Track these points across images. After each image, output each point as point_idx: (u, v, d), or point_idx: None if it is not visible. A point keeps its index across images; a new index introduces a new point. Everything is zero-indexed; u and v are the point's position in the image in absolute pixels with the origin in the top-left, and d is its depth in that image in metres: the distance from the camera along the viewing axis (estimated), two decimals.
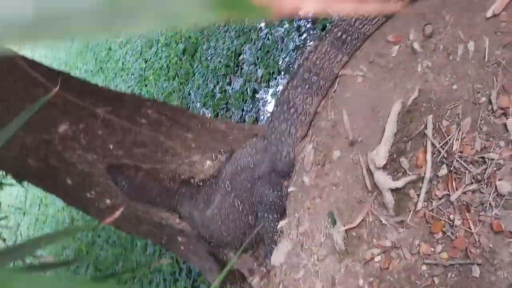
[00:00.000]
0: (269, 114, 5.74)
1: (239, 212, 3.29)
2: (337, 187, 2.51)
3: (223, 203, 3.32)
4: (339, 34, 2.51)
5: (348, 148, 2.51)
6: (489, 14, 2.17)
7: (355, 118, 2.52)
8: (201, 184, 3.69)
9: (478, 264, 1.99)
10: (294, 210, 2.76)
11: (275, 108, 2.86)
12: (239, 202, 3.25)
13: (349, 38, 2.51)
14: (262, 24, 6.61)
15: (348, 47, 2.54)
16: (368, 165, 2.36)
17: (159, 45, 9.11)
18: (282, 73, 6.04)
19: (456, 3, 2.27)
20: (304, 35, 5.97)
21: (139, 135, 3.86)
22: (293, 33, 6.04)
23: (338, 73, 2.63)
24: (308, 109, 2.75)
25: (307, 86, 2.68)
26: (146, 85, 9.05)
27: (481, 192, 2.07)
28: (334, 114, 2.62)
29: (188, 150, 3.98)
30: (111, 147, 3.78)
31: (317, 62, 2.60)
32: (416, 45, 2.35)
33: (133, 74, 9.70)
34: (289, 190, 2.85)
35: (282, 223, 2.83)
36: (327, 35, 2.55)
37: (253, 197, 3.18)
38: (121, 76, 10.14)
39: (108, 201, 3.94)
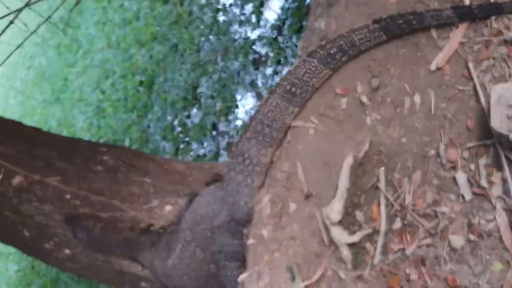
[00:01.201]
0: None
1: (201, 261, 3.26)
2: (294, 240, 2.51)
3: (184, 252, 3.29)
4: (288, 87, 2.53)
5: (303, 201, 2.52)
6: (433, 67, 2.22)
7: (309, 171, 2.53)
8: (161, 231, 3.66)
9: None
10: (254, 263, 2.74)
11: (230, 160, 2.86)
12: (200, 251, 3.23)
13: (298, 91, 2.53)
14: (219, 57, 6.62)
15: (298, 99, 2.56)
16: (324, 220, 2.37)
17: (115, 76, 9.03)
18: (240, 107, 6.06)
19: (400, 56, 2.31)
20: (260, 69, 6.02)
21: (96, 183, 3.81)
22: (249, 67, 6.07)
23: (290, 124, 2.64)
24: (263, 160, 2.76)
25: (261, 137, 2.69)
26: (104, 117, 8.95)
27: (435, 246, 2.09)
28: (288, 166, 2.63)
29: (147, 196, 3.94)
30: (68, 197, 3.72)
31: (269, 114, 2.62)
32: (363, 98, 2.38)
33: (90, 105, 9.58)
34: (248, 242, 2.84)
35: (242, 276, 2.81)
36: (277, 88, 2.56)
37: (214, 246, 3.16)
38: (79, 108, 10.01)
39: (67, 251, 3.87)
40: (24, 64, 13.29)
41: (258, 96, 5.92)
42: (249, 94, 6.09)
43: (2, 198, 3.55)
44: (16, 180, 3.57)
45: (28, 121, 10.80)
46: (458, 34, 2.16)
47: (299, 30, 5.51)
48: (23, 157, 3.63)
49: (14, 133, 3.83)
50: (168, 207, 3.92)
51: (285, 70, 5.54)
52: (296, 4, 5.77)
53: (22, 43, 4.44)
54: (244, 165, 2.80)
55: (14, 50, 4.42)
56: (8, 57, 4.37)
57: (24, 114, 12.00)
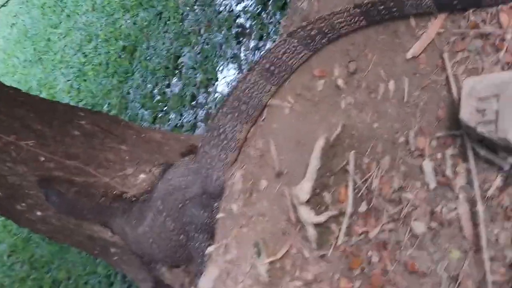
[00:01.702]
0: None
1: (170, 231, 3.30)
2: (263, 217, 2.55)
3: (155, 221, 3.33)
4: (267, 65, 2.55)
5: (274, 179, 2.56)
6: (409, 55, 2.24)
7: (282, 150, 2.56)
8: (133, 199, 3.68)
9: None
10: (222, 237, 2.79)
11: (206, 134, 2.88)
12: (170, 221, 3.27)
13: (277, 70, 2.55)
14: (202, 29, 6.60)
15: (276, 78, 2.58)
16: (292, 199, 2.41)
17: (98, 40, 8.97)
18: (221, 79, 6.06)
19: (379, 42, 2.33)
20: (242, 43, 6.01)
21: (71, 147, 3.80)
22: (232, 41, 6.06)
23: (267, 103, 2.66)
24: (238, 136, 2.78)
25: (237, 114, 2.71)
26: (85, 80, 8.91)
27: (398, 232, 2.15)
28: (262, 144, 2.66)
29: (122, 163, 3.95)
30: (42, 159, 3.71)
31: (246, 91, 2.63)
32: (340, 81, 2.41)
33: (72, 67, 9.52)
34: (217, 216, 2.88)
35: (210, 249, 2.86)
36: (256, 66, 2.58)
37: (184, 217, 3.20)
38: (60, 69, 9.94)
39: (39, 213, 3.88)
40: (8, 23, 13.08)
41: (240, 69, 5.93)
42: (230, 66, 6.09)
43: None
44: None
45: (8, 80, 10.72)
46: (436, 24, 2.18)
47: (283, 7, 5.51)
48: (0, 117, 3.61)
49: None
50: (142, 176, 3.93)
51: (267, 46, 5.55)
52: None
53: (7, 1, 4.38)
54: (219, 139, 2.82)
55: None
56: None
57: (5, 72, 11.87)
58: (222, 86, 6.11)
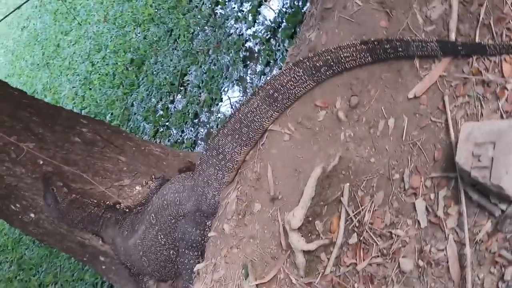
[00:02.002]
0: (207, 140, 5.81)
1: (161, 245, 3.33)
2: (254, 240, 2.58)
3: (147, 234, 3.35)
4: (271, 92, 2.59)
5: (268, 203, 2.59)
6: (410, 95, 2.28)
7: (278, 175, 2.59)
8: (127, 210, 3.70)
9: None
10: (211, 255, 2.81)
11: (205, 152, 2.92)
12: (162, 236, 3.30)
13: (280, 97, 2.59)
14: (211, 49, 6.67)
15: (278, 105, 2.62)
16: (284, 224, 2.44)
17: (107, 51, 9.04)
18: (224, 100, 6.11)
19: (382, 79, 2.38)
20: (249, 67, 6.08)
21: (71, 153, 3.84)
22: (239, 64, 6.12)
23: (268, 127, 2.70)
24: (236, 158, 2.82)
25: (237, 136, 2.75)
26: (90, 89, 8.97)
27: (385, 266, 2.17)
28: (260, 167, 2.69)
29: (119, 174, 3.99)
30: (41, 162, 3.75)
31: (248, 114, 2.68)
32: (341, 114, 2.45)
33: (78, 75, 9.58)
34: (209, 234, 2.90)
35: (199, 266, 2.88)
36: (260, 91, 2.62)
37: (176, 233, 3.23)
38: (67, 75, 10.00)
39: (32, 215, 3.91)
40: (19, 25, 13.19)
41: (244, 92, 5.99)
42: (235, 88, 6.15)
43: None
44: None
45: (14, 81, 10.79)
46: (439, 67, 2.23)
47: (292, 36, 5.58)
48: (3, 118, 3.65)
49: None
50: (138, 188, 3.97)
51: (273, 72, 5.61)
52: (293, 10, 5.84)
53: (22, 5, 4.44)
54: (217, 159, 2.86)
55: (13, 11, 4.42)
56: (6, 17, 4.37)
57: (12, 73, 11.94)
58: (225, 107, 6.17)
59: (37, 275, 7.45)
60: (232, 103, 6.06)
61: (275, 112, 2.66)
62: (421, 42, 2.23)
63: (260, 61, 5.94)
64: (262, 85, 2.65)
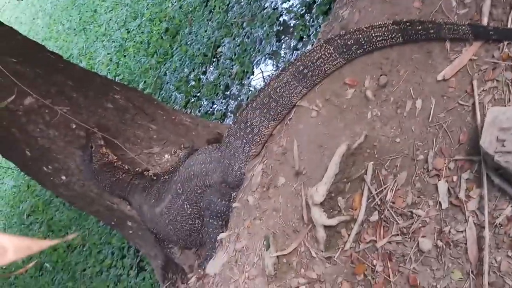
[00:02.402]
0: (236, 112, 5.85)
1: (187, 215, 3.40)
2: (277, 212, 2.63)
3: (173, 203, 3.42)
4: (301, 68, 2.61)
5: (293, 177, 2.63)
6: (439, 77, 2.29)
7: (303, 150, 2.63)
8: (154, 178, 3.78)
9: None
10: (235, 225, 2.88)
11: (233, 125, 2.96)
12: (188, 205, 3.36)
13: (310, 73, 2.61)
14: (245, 22, 6.67)
15: (308, 81, 2.64)
16: (307, 199, 2.48)
17: (143, 19, 9.11)
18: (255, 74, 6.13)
19: (412, 60, 2.38)
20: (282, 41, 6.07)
21: (103, 118, 3.93)
22: (272, 38, 6.12)
23: (296, 103, 2.73)
24: (264, 132, 2.86)
25: (265, 110, 2.79)
26: (125, 56, 9.07)
27: (404, 245, 2.21)
28: (286, 142, 2.73)
29: (149, 141, 4.07)
30: (74, 126, 3.84)
31: (278, 89, 2.71)
32: (369, 93, 2.46)
33: (114, 41, 9.68)
34: (234, 205, 2.97)
35: (222, 235, 2.95)
36: (290, 67, 2.65)
37: (202, 203, 3.29)
38: (102, 41, 10.11)
39: (63, 177, 4.01)
40: None
41: (276, 66, 6.01)
42: (267, 62, 6.17)
43: (12, 115, 3.67)
44: (28, 100, 3.68)
45: (50, 45, 10.95)
46: (470, 51, 2.23)
47: (326, 12, 5.56)
48: (39, 81, 3.74)
49: (36, 56, 3.92)
50: (166, 156, 4.05)
51: (306, 47, 5.60)
52: None
53: None
54: (245, 132, 2.90)
55: None
56: None
57: (49, 37, 12.10)
58: (256, 80, 6.19)
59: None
60: (264, 77, 6.08)
61: (304, 88, 2.68)
62: (453, 25, 2.23)
63: (294, 36, 5.93)
64: (293, 61, 2.67)
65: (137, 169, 3.85)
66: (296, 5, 6.21)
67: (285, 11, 6.29)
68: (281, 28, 6.19)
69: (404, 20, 2.35)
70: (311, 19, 5.84)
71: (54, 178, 4.00)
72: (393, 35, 2.39)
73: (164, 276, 3.99)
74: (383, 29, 2.40)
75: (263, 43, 6.25)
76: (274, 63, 6.11)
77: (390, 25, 2.37)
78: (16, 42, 3.89)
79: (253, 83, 6.20)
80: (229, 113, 6.34)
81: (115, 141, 3.78)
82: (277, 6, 6.48)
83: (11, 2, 14.20)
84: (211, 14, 7.53)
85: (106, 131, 3.85)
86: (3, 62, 3.39)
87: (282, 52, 6.08)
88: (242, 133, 2.92)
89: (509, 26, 2.16)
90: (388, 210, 2.29)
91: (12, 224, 9.06)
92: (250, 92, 6.15)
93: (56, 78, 3.84)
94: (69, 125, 3.79)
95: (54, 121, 3.73)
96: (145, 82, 8.06)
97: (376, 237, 2.30)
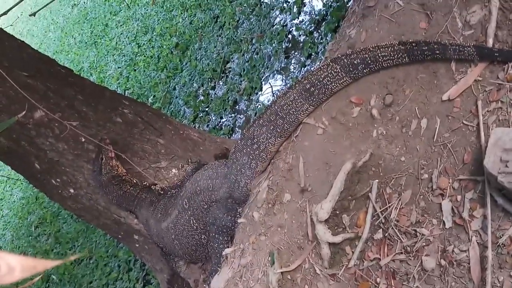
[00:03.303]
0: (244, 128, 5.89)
1: (193, 230, 3.42)
2: (282, 228, 2.65)
3: (180, 218, 3.45)
4: (308, 86, 2.64)
5: (298, 194, 2.66)
6: (445, 97, 2.31)
7: (309, 167, 2.65)
8: (162, 192, 3.80)
9: None
10: (240, 241, 2.90)
11: (239, 141, 2.99)
12: (194, 221, 3.38)
13: (316, 91, 2.64)
14: (254, 38, 6.73)
15: (314, 99, 2.67)
16: (312, 216, 2.50)
17: (153, 34, 9.20)
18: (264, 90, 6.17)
19: (418, 80, 2.41)
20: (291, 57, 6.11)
21: (112, 133, 3.97)
22: (281, 54, 6.17)
23: (302, 120, 2.76)
24: (270, 148, 2.89)
25: (272, 127, 2.82)
26: (135, 70, 9.14)
27: (408, 263, 2.23)
28: (292, 159, 2.76)
29: (157, 156, 4.10)
30: (83, 140, 3.88)
31: (284, 107, 2.73)
32: (375, 111, 2.49)
33: (124, 56, 9.77)
34: (239, 221, 2.99)
35: (228, 250, 2.97)
36: (297, 85, 2.68)
37: (208, 218, 3.31)
38: (113, 55, 10.20)
39: (72, 190, 4.04)
40: (70, 2, 13.48)
41: (284, 83, 6.05)
42: (276, 78, 6.21)
43: (22, 128, 3.71)
44: (38, 114, 3.72)
45: (62, 58, 11.05)
46: (475, 71, 2.25)
47: (335, 30, 5.60)
48: (50, 94, 3.79)
49: (48, 70, 3.97)
50: (174, 170, 4.08)
51: (314, 64, 5.64)
52: (338, 4, 5.86)
53: None
54: (251, 148, 2.93)
55: None
56: None
57: (60, 50, 12.21)
58: (264, 96, 6.23)
59: (73, 249, 7.67)
60: (273, 91, 6.12)
61: (311, 106, 2.71)
62: (459, 46, 2.25)
63: (302, 53, 5.98)
64: (299, 79, 2.70)
65: (145, 183, 3.89)
66: (305, 22, 6.27)
67: (293, 28, 6.35)
68: (290, 44, 6.25)
69: (410, 40, 2.37)
70: (320, 36, 5.90)
71: (62, 191, 4.04)
72: (399, 55, 2.42)
73: None
74: (389, 49, 2.42)
75: (271, 59, 6.30)
76: (284, 78, 6.16)
77: (396, 45, 2.40)
78: (27, 56, 3.94)
79: (261, 98, 6.24)
80: (236, 128, 6.39)
81: (123, 156, 3.81)
82: (286, 23, 6.55)
83: (24, 14, 14.34)
84: (221, 30, 7.61)
85: (115, 145, 3.89)
86: (15, 76, 3.44)
87: (291, 67, 6.13)
88: (248, 149, 2.94)
89: None
90: (392, 228, 2.31)
91: (20, 235, 9.09)
92: (258, 107, 6.19)
93: (66, 92, 3.88)
94: (78, 138, 3.83)
95: (64, 135, 3.76)
96: (154, 96, 8.13)
97: (380, 255, 2.32)
